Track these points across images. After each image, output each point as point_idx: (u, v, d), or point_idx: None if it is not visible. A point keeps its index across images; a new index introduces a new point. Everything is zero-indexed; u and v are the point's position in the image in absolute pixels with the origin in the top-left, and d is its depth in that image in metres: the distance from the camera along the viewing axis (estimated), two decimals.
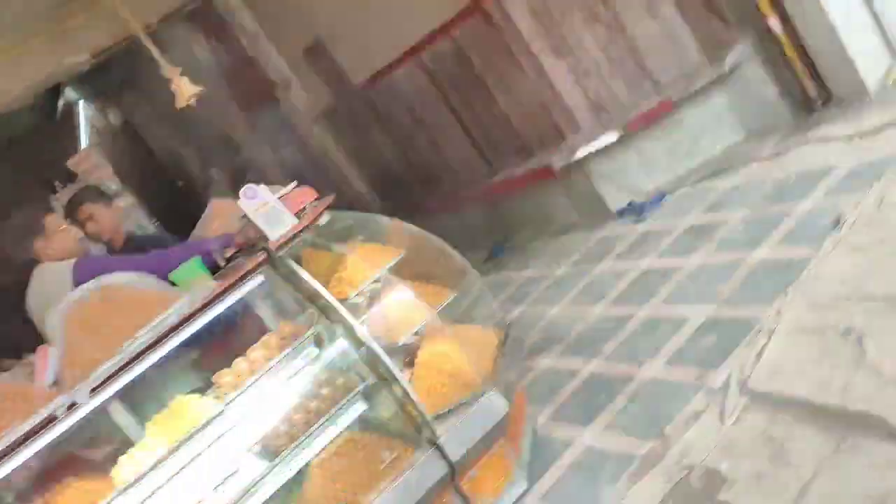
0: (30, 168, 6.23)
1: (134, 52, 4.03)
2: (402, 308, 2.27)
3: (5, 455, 1.80)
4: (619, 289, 3.07)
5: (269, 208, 2.22)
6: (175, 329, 2.02)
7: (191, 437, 2.01)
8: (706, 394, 2.10)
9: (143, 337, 1.98)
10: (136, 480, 1.95)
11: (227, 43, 5.58)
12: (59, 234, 2.55)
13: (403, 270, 2.30)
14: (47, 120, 6.74)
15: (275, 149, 6.11)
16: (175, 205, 6.82)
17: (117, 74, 6.14)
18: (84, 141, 7.09)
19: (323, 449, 2.12)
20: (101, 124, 7.46)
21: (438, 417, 2.19)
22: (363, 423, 2.26)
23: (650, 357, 2.45)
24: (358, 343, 2.14)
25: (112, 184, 6.21)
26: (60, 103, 6.68)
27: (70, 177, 6.10)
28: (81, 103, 7.24)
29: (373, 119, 5.10)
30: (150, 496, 1.95)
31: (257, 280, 2.20)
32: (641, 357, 2.48)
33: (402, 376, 2.16)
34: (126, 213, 5.58)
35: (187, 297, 2.06)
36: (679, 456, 1.97)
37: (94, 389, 1.92)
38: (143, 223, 6.37)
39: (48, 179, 6.02)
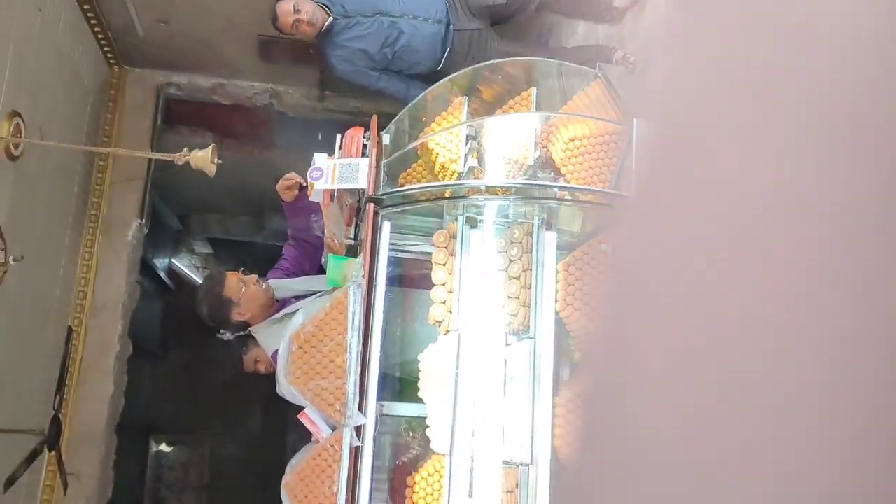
0: None
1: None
2: (508, 134, 2.19)
3: (353, 496, 1.93)
4: None
5: (339, 169, 2.19)
6: (369, 312, 2.05)
7: (457, 377, 2.06)
8: None
9: (353, 340, 2.02)
10: (452, 440, 2.03)
11: None
12: (246, 294, 2.49)
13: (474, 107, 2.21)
14: None
15: None
16: None
17: None
18: None
19: (556, 292, 2.10)
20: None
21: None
22: (566, 247, 2.21)
23: None
24: (502, 191, 2.09)
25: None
26: None
27: None
28: None
29: None
30: (473, 438, 2.02)
31: (387, 228, 2.19)
32: None
33: (558, 180, 2.09)
34: None
35: (351, 285, 2.08)
36: None
37: (360, 407, 2.01)
38: None
39: None
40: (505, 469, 2.00)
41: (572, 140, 2.17)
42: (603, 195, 2.11)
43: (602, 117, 2.20)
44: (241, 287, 2.49)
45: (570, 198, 2.17)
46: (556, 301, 2.09)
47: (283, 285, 2.51)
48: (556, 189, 2.15)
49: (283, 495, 2.03)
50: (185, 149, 2.52)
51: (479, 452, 2.02)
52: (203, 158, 2.44)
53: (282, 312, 2.38)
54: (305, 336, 2.08)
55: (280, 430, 6.09)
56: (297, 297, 2.42)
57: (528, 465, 1.98)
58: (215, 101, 4.72)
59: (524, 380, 2.05)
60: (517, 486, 1.97)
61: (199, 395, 6.30)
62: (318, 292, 2.35)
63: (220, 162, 2.53)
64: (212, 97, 4.70)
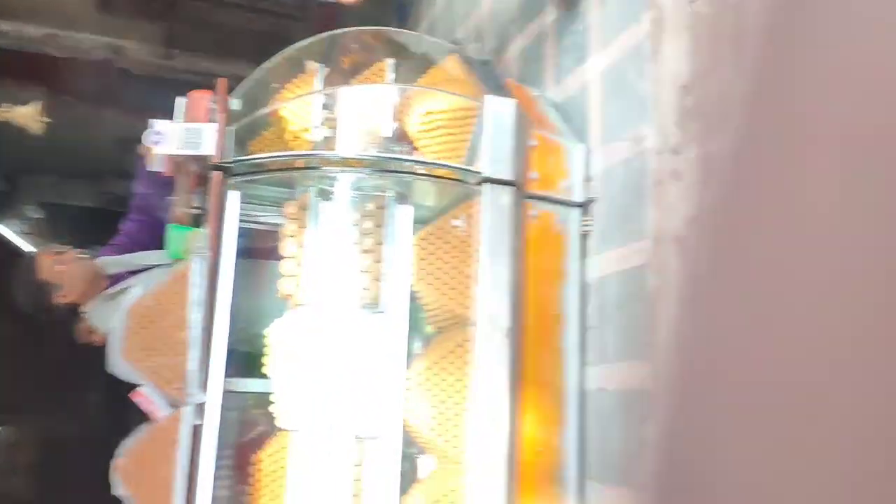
0: None
1: None
2: (363, 105, 2.15)
3: (193, 479, 1.84)
4: None
5: (181, 134, 2.06)
6: (214, 285, 1.96)
7: (306, 351, 2.02)
8: None
9: (195, 315, 1.93)
10: (299, 416, 2.00)
11: None
12: (65, 274, 2.20)
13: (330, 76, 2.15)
14: None
15: None
16: None
17: None
18: None
19: (410, 266, 2.10)
20: None
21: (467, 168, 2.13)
22: (421, 221, 2.22)
23: None
24: (356, 163, 2.05)
25: None
26: None
27: None
28: None
29: None
30: (321, 414, 2.00)
31: (234, 197, 2.10)
32: None
33: (412, 153, 2.08)
34: None
35: (195, 259, 1.98)
36: None
37: (202, 384, 1.92)
38: None
39: None
40: (354, 444, 1.99)
41: (428, 114, 2.16)
42: (457, 171, 2.12)
43: (457, 92, 2.21)
44: (58, 266, 2.21)
45: (424, 172, 2.16)
46: (410, 275, 2.09)
47: (116, 261, 2.32)
48: (410, 163, 2.13)
49: (115, 479, 1.91)
50: (6, 104, 2.29)
51: (328, 427, 1.99)
52: (27, 115, 2.23)
53: (116, 287, 2.21)
54: (143, 310, 1.96)
55: (122, 408, 5.76)
56: (133, 273, 2.25)
57: (377, 439, 1.98)
58: (48, 54, 4.32)
59: (375, 354, 2.04)
60: (365, 460, 1.97)
61: (30, 371, 5.83)
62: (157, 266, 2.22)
63: (50, 120, 2.32)
64: (44, 49, 4.30)
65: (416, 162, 2.11)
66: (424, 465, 2.13)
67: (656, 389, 1.96)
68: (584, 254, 2.20)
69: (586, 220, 2.20)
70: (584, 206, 2.20)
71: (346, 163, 2.10)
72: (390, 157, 2.12)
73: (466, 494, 1.88)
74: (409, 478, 2.13)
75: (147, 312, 1.95)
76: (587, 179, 2.22)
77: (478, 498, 1.85)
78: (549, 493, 1.97)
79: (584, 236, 2.20)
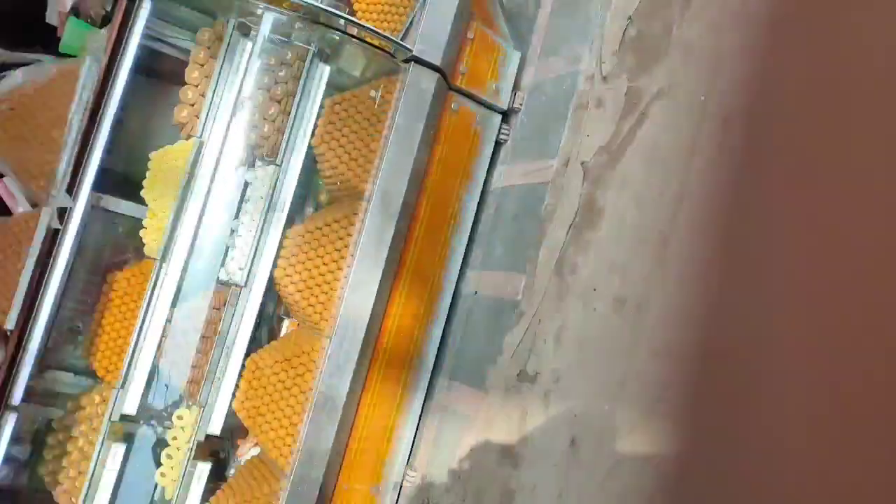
0: None
1: None
2: None
3: (39, 281, 1.76)
4: None
5: None
6: (103, 91, 1.83)
7: (189, 182, 1.95)
8: None
9: (76, 116, 1.81)
10: (168, 245, 1.93)
11: None
12: None
13: None
14: None
15: None
16: None
17: None
18: None
19: (315, 126, 2.03)
20: None
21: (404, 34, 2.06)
22: (338, 88, 2.14)
23: None
24: (287, 4, 1.93)
25: None
26: None
27: None
28: None
29: None
30: (190, 250, 1.94)
31: (147, 6, 1.95)
32: None
33: (346, 12, 1.98)
34: None
35: (89, 59, 1.84)
36: None
37: (69, 189, 1.82)
38: None
39: None
40: (217, 287, 1.96)
41: None
42: (387, 42, 2.04)
43: None
44: None
45: (355, 34, 2.07)
46: (313, 135, 2.02)
47: (3, 52, 2.14)
48: (343, 20, 2.03)
49: None
50: None
51: (194, 265, 1.94)
52: None
53: None
54: (21, 98, 1.82)
55: None
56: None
57: (241, 287, 1.94)
58: None
59: (261, 205, 1.99)
60: (224, 305, 1.94)
61: None
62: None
63: None
64: None
65: (350, 21, 2.01)
66: (286, 325, 2.12)
67: (526, 303, 1.98)
68: (493, 161, 2.19)
69: (505, 129, 2.17)
70: (506, 113, 2.17)
71: (274, 1, 1.97)
72: (323, 8, 2.01)
73: (319, 359, 1.88)
74: (268, 334, 2.13)
75: (25, 101, 1.82)
76: (516, 88, 2.18)
77: (329, 365, 1.86)
78: (398, 378, 2.00)
79: (499, 144, 2.18)
